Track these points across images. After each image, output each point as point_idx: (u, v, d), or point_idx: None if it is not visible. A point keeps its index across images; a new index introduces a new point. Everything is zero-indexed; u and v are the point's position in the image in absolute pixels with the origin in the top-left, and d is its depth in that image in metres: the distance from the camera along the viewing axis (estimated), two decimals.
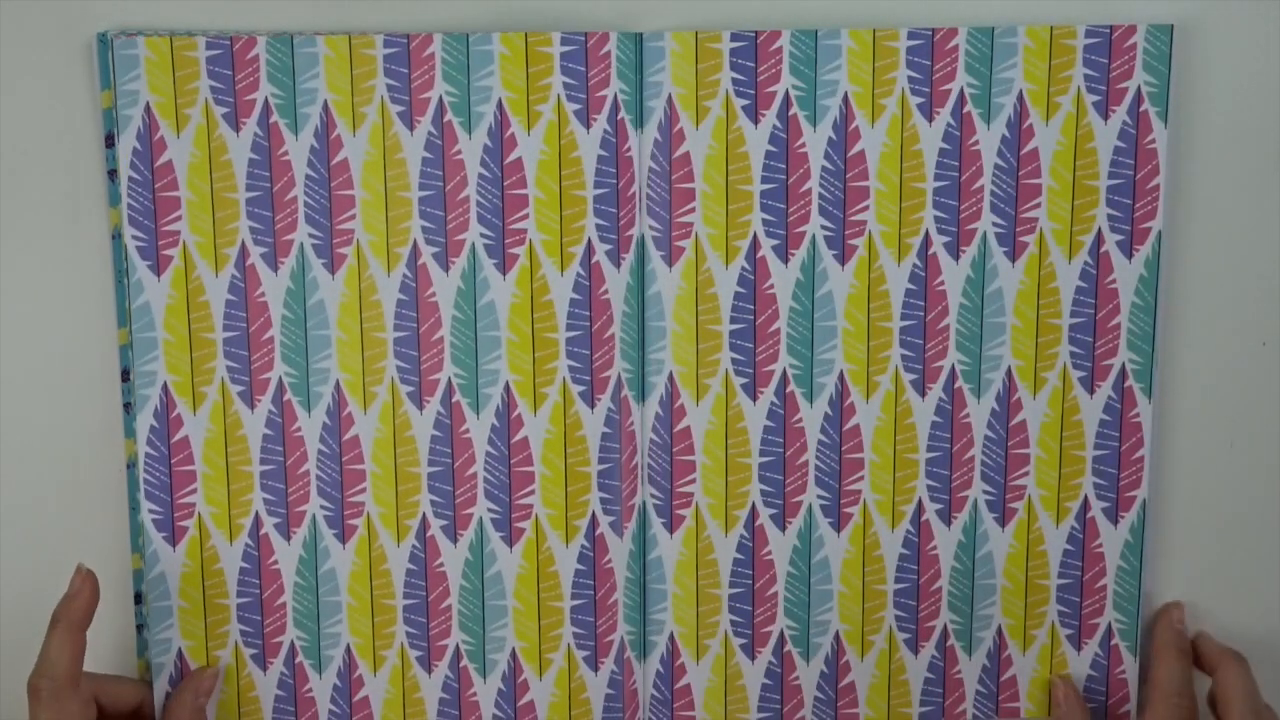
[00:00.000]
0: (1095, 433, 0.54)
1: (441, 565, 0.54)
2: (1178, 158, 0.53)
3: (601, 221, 0.52)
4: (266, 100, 0.51)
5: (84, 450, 0.54)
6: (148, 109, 0.51)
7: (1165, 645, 0.54)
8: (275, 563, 0.54)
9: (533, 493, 0.54)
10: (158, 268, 0.52)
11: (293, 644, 0.54)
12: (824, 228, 0.52)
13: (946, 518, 0.54)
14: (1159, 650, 0.54)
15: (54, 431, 0.54)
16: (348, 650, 0.54)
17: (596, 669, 0.54)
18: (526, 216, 0.52)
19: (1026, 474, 0.54)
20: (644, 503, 0.54)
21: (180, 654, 0.54)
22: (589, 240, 0.52)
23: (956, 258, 0.53)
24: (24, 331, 0.54)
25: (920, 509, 0.54)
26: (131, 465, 0.54)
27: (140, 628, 0.54)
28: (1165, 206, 0.53)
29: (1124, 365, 0.53)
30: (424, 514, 0.54)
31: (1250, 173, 0.54)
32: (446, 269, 0.52)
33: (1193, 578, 0.56)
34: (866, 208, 0.52)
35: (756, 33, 0.51)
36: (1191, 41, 0.53)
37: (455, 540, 0.54)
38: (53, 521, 0.55)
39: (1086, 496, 0.54)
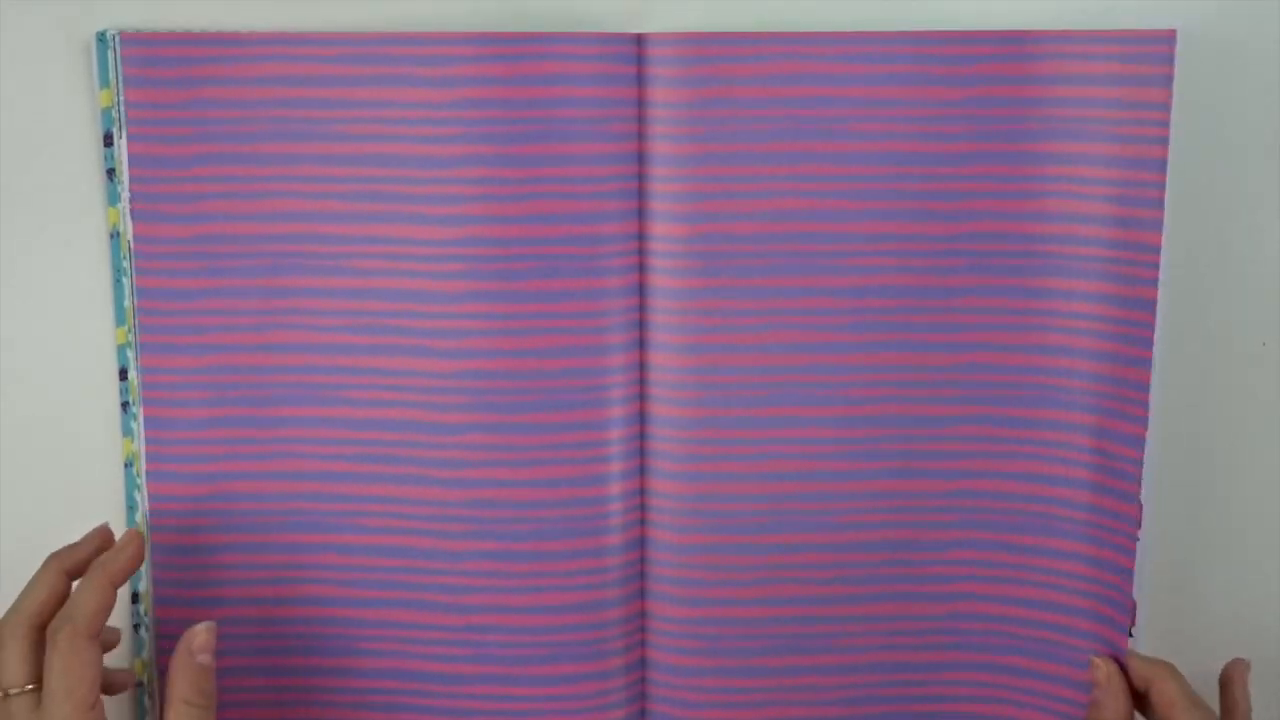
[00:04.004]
0: None
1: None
2: (1178, 158, 0.53)
3: None
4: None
5: (82, 450, 0.54)
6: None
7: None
8: None
9: None
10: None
11: None
12: None
13: None
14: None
15: (52, 431, 0.54)
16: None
17: None
18: None
19: None
20: None
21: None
22: None
23: None
24: (22, 331, 0.54)
25: None
26: (130, 465, 0.54)
27: (137, 627, 0.54)
28: (1167, 206, 0.53)
29: None
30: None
31: (1250, 174, 0.54)
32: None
33: (1192, 578, 0.56)
34: None
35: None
36: (1192, 43, 0.53)
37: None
38: (51, 521, 0.54)
39: None
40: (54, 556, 0.49)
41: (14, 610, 0.47)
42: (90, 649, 0.46)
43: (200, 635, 0.49)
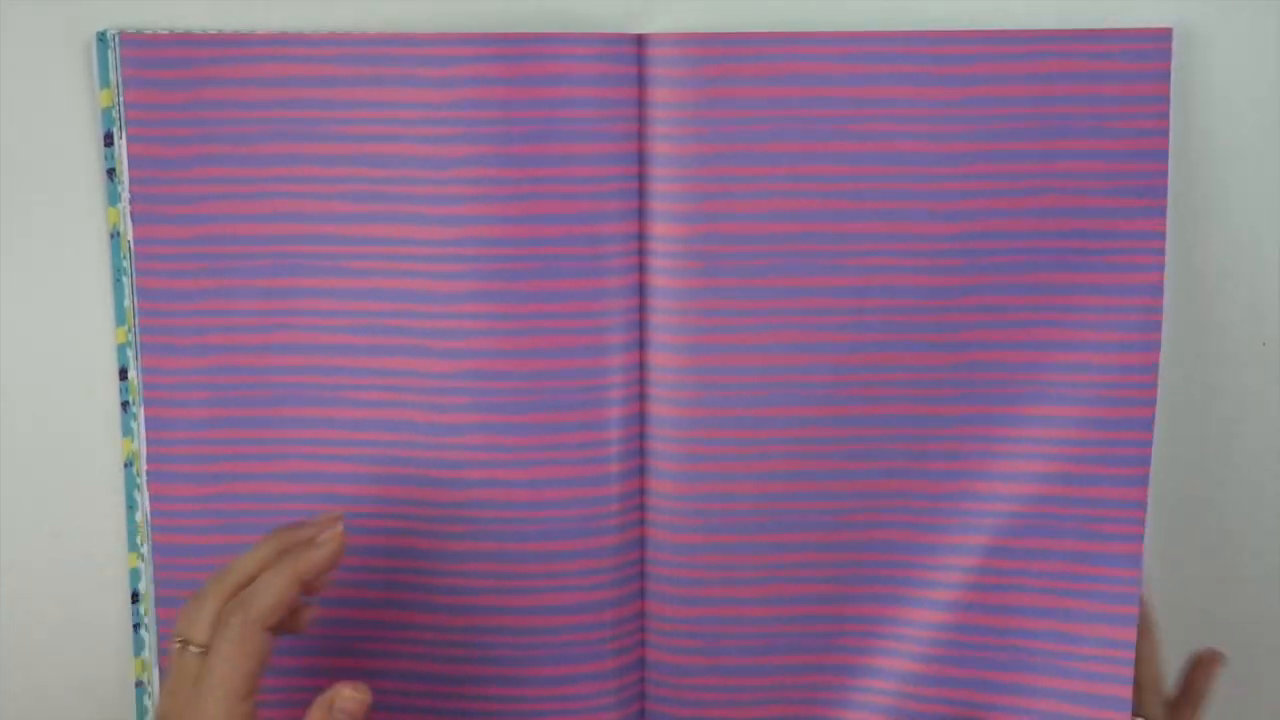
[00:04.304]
0: None
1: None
2: (1178, 158, 0.53)
3: None
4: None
5: (82, 449, 0.54)
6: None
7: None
8: None
9: None
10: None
11: None
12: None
13: None
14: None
15: (52, 431, 0.54)
16: None
17: None
18: None
19: None
20: None
21: None
22: None
23: None
24: (22, 330, 0.54)
25: None
26: (129, 464, 0.54)
27: (137, 627, 0.54)
28: (1168, 205, 0.53)
29: None
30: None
31: (1250, 174, 0.54)
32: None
33: (1192, 578, 0.56)
34: None
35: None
36: (1191, 44, 0.53)
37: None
38: (50, 521, 0.55)
39: None
40: (279, 531, 0.47)
41: (225, 570, 0.46)
42: (258, 640, 0.44)
43: (347, 697, 0.45)
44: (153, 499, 0.53)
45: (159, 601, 0.53)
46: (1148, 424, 0.52)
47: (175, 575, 0.53)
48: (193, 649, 0.45)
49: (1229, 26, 0.53)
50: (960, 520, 0.53)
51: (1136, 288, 0.52)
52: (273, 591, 0.45)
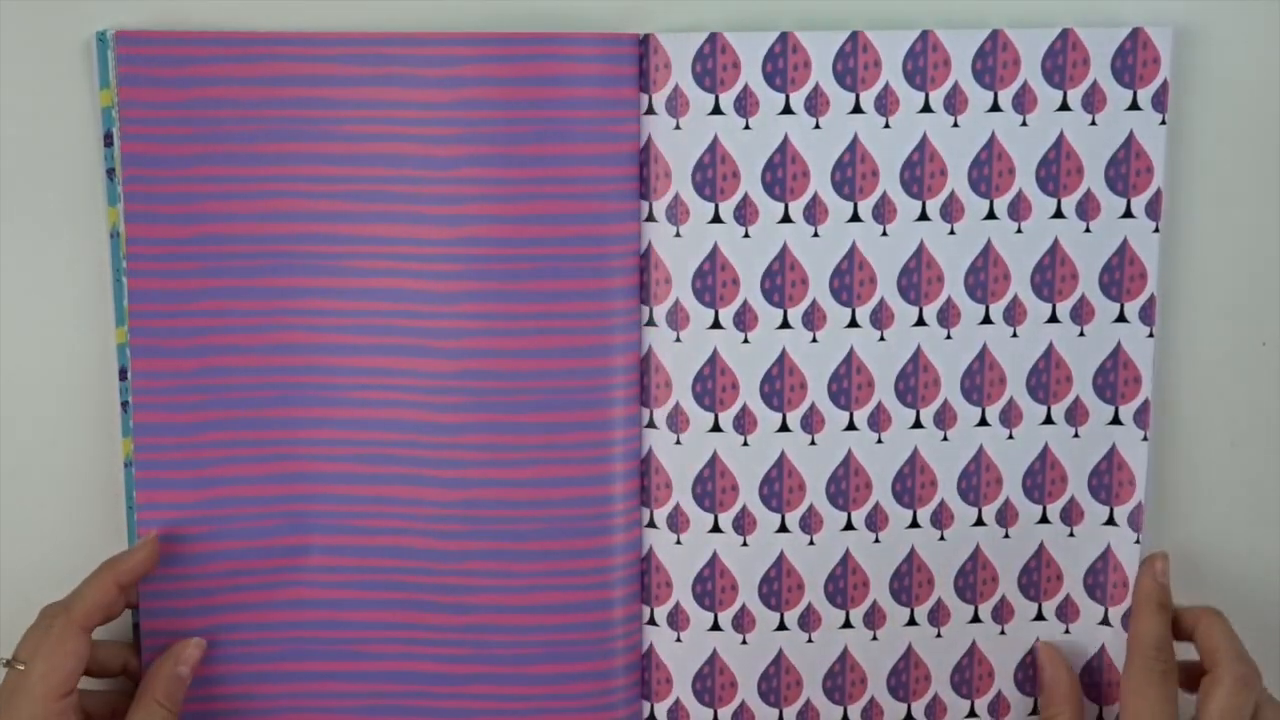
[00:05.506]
0: None
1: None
2: (1178, 158, 0.53)
3: None
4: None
5: (83, 449, 0.54)
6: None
7: (1145, 598, 0.53)
8: None
9: None
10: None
11: None
12: None
13: None
14: (1138, 604, 0.53)
15: (52, 430, 0.54)
16: None
17: None
18: None
19: None
20: None
21: None
22: None
23: None
24: (22, 330, 0.54)
25: None
26: (130, 464, 0.54)
27: (136, 626, 0.54)
28: (1165, 206, 0.53)
29: None
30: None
31: (1250, 173, 0.54)
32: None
33: (1192, 577, 0.56)
34: None
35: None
36: (1191, 43, 0.53)
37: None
38: (51, 521, 0.55)
39: None
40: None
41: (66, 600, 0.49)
42: (78, 641, 0.48)
43: (189, 649, 0.52)
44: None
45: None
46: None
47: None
48: (19, 666, 0.47)
49: (1229, 26, 0.53)
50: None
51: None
52: (91, 592, 0.49)
